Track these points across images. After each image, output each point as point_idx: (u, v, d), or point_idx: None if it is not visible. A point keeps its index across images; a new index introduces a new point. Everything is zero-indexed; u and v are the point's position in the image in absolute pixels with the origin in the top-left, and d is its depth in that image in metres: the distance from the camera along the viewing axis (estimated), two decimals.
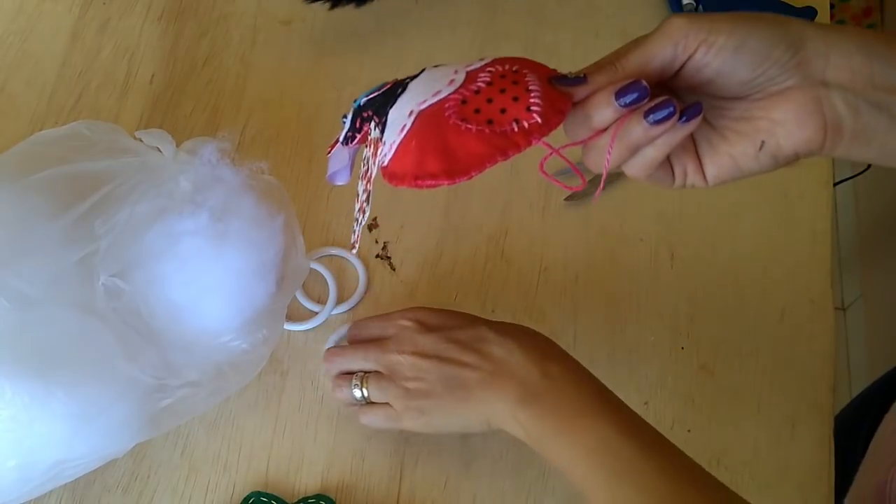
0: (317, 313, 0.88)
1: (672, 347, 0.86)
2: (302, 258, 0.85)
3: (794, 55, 0.55)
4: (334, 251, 0.91)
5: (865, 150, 0.56)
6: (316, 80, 1.01)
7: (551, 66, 1.00)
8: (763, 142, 0.57)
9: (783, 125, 0.56)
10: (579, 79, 0.58)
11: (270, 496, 0.80)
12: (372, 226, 0.92)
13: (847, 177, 1.88)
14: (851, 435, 0.92)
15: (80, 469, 0.73)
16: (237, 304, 0.81)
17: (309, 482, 0.82)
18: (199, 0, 1.04)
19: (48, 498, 0.80)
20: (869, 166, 1.68)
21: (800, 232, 0.92)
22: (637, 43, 0.57)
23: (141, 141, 0.83)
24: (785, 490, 0.82)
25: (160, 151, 0.82)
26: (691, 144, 0.59)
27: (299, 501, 0.80)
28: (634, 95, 0.55)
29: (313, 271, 0.89)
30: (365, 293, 0.90)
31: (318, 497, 0.80)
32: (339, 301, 0.89)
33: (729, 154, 0.58)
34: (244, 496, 0.80)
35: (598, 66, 0.58)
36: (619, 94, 0.55)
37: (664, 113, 0.55)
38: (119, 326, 0.76)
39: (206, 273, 0.80)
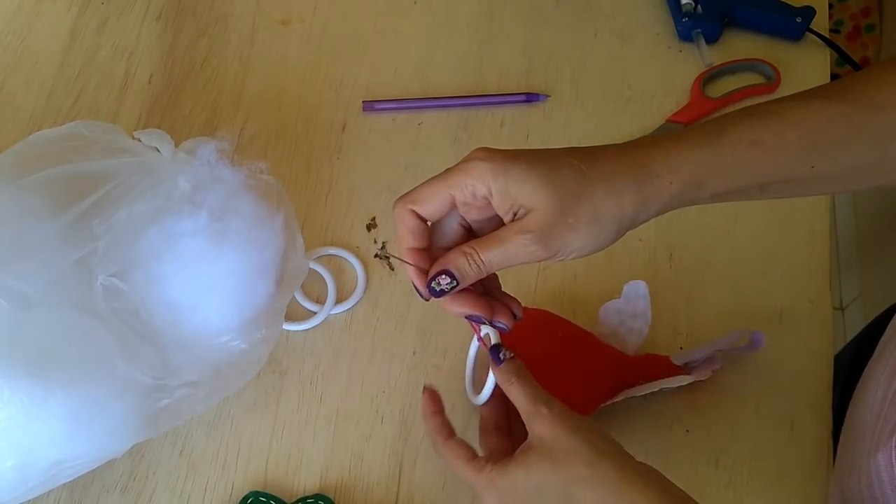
0: (315, 313, 0.88)
1: (671, 347, 0.86)
2: (301, 258, 0.85)
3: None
4: (333, 251, 0.91)
5: None
6: (314, 80, 1.01)
7: (549, 67, 1.01)
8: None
9: None
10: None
11: (269, 496, 0.80)
12: (370, 225, 0.92)
13: None
14: None
15: (78, 469, 0.73)
16: (236, 303, 0.81)
17: (308, 482, 0.82)
18: (198, 0, 1.05)
19: (47, 498, 0.80)
20: None
21: (798, 232, 0.92)
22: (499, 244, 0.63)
23: (139, 141, 0.83)
24: (783, 490, 0.82)
25: (159, 151, 0.82)
26: None
27: (298, 501, 0.80)
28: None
29: (312, 271, 0.89)
30: (364, 293, 0.90)
31: (317, 497, 0.80)
32: (338, 301, 0.89)
33: None
34: (243, 496, 0.80)
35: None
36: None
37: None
38: (118, 326, 0.76)
39: (205, 273, 0.80)
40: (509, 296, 0.69)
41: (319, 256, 0.91)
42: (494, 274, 0.68)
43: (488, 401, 0.71)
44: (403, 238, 0.65)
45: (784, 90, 1.00)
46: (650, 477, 0.63)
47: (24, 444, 0.70)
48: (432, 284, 0.63)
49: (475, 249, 0.62)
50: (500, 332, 0.67)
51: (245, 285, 0.81)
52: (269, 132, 0.98)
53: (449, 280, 0.63)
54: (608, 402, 0.79)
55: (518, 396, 0.66)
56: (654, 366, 0.81)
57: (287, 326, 0.87)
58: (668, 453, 0.79)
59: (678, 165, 0.62)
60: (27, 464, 0.70)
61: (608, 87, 1.01)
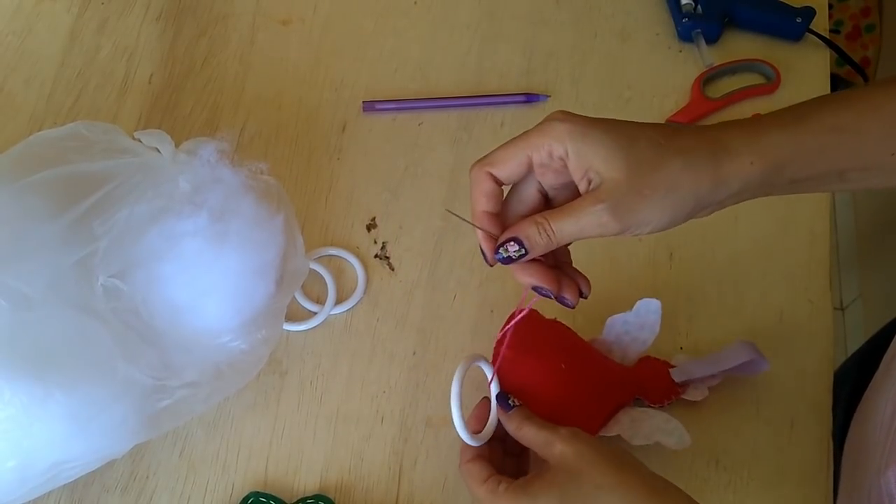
0: (316, 313, 0.88)
1: (671, 348, 0.86)
2: (301, 258, 0.85)
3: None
4: (333, 251, 0.91)
5: None
6: (314, 81, 1.01)
7: (549, 67, 1.01)
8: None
9: None
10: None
11: (269, 496, 0.80)
12: (370, 226, 0.92)
13: None
14: None
15: (78, 470, 0.73)
16: (236, 304, 0.81)
17: (308, 482, 0.82)
18: (198, 0, 1.04)
19: (47, 498, 0.80)
20: None
21: (798, 232, 0.92)
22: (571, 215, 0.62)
23: (140, 141, 0.83)
24: (784, 490, 0.82)
25: (159, 152, 0.82)
26: None
27: (298, 501, 0.80)
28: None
29: (312, 271, 0.89)
30: (364, 293, 0.90)
31: (317, 497, 0.80)
32: (338, 301, 0.89)
33: None
34: (243, 496, 0.80)
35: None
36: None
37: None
38: (118, 327, 0.76)
39: (206, 274, 0.80)
40: (579, 272, 0.68)
41: (319, 257, 0.91)
42: (566, 248, 0.67)
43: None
44: (477, 201, 0.64)
45: (784, 90, 1.00)
46: (676, 491, 0.64)
47: (25, 444, 0.70)
48: (500, 251, 0.63)
49: (547, 219, 0.62)
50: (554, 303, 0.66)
51: (245, 286, 0.81)
52: (269, 132, 0.98)
53: (517, 248, 0.62)
54: (602, 432, 0.79)
55: (530, 435, 0.68)
56: (651, 379, 0.81)
57: (287, 327, 0.87)
58: (669, 454, 0.79)
59: (759, 146, 0.61)
60: (27, 464, 0.70)
61: (608, 87, 1.01)
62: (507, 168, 0.63)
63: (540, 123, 0.62)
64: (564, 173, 0.62)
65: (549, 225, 0.61)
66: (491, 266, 0.65)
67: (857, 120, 0.62)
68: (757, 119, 0.63)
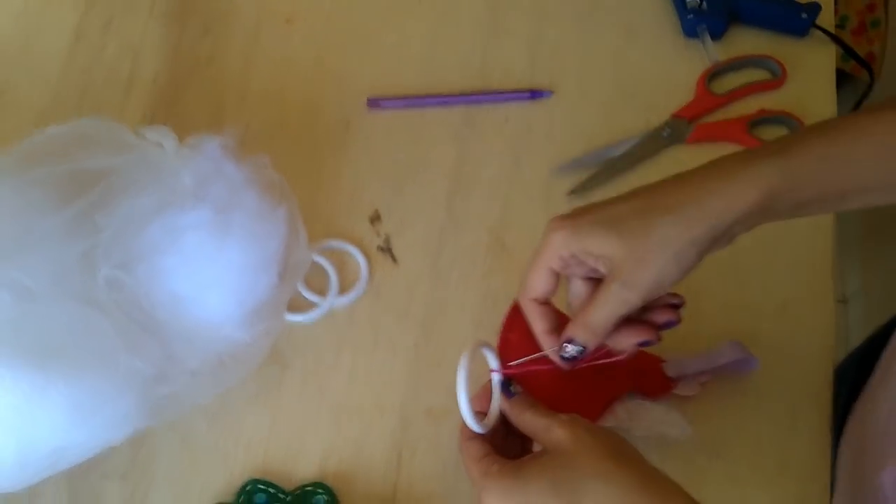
0: (318, 305, 0.88)
1: (673, 338, 0.85)
2: (304, 250, 0.85)
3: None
4: (336, 243, 0.91)
5: None
6: (318, 77, 1.01)
7: (554, 63, 1.01)
8: None
9: None
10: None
11: (268, 483, 0.80)
12: (374, 219, 0.93)
13: None
14: None
15: (78, 456, 0.73)
16: (239, 296, 0.81)
17: (307, 471, 0.82)
18: None
19: (46, 484, 0.80)
20: None
21: (801, 224, 0.91)
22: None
23: (144, 137, 0.84)
24: (784, 483, 0.81)
25: (163, 147, 0.83)
26: None
27: (297, 489, 0.80)
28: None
29: (315, 263, 0.89)
30: (366, 285, 0.90)
31: (316, 485, 0.80)
32: (341, 293, 0.89)
33: None
34: (242, 483, 0.80)
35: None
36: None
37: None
38: (120, 318, 0.76)
39: (209, 266, 0.80)
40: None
41: (322, 249, 0.91)
42: None
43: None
44: (537, 325, 0.71)
45: (790, 86, 1.00)
46: (672, 486, 0.63)
47: (26, 432, 0.70)
48: (562, 354, 0.69)
49: (582, 316, 0.67)
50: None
51: (248, 278, 0.82)
52: (273, 129, 0.98)
53: (574, 347, 0.68)
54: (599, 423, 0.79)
55: (531, 421, 0.68)
56: (646, 372, 0.81)
57: (289, 318, 0.87)
58: (669, 445, 0.79)
59: (746, 179, 0.64)
60: (28, 452, 0.70)
61: (613, 83, 1.01)
62: (540, 287, 0.69)
63: (542, 237, 0.68)
64: (586, 263, 0.67)
65: (586, 321, 0.67)
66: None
67: (846, 150, 0.65)
68: (740, 154, 0.67)
